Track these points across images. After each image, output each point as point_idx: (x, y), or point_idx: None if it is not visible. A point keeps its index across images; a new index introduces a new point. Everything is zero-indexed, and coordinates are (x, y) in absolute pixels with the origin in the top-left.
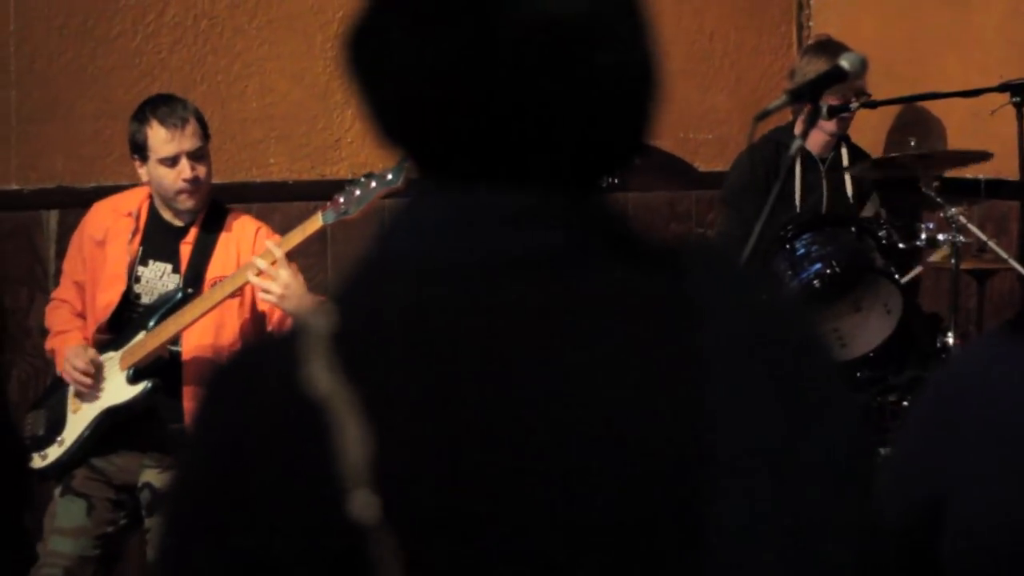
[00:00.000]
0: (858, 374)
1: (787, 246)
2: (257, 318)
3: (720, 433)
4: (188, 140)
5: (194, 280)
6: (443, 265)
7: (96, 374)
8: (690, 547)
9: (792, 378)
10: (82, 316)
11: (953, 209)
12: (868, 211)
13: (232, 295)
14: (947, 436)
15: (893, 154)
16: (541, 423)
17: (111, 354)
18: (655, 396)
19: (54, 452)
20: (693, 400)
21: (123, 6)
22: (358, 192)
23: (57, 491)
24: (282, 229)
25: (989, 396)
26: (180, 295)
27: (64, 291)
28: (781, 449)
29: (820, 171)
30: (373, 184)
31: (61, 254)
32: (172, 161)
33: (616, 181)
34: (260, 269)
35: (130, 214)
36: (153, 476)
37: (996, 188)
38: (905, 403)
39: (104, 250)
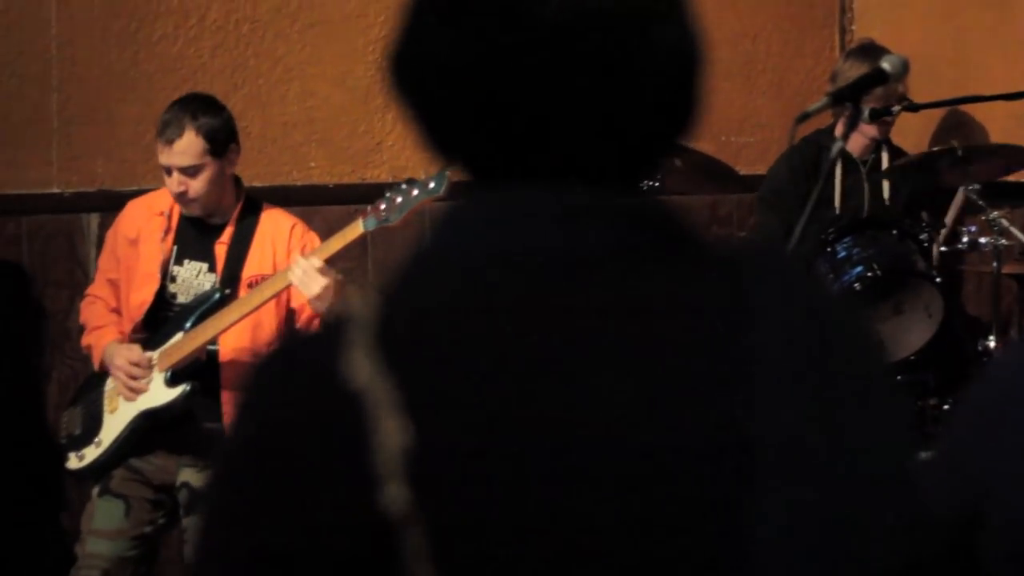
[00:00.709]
0: (898, 377)
1: (828, 249)
2: (294, 316)
3: (766, 436)
4: (176, 157)
5: (231, 280)
6: (492, 261)
7: (144, 371)
8: (731, 548)
9: (842, 381)
10: (117, 312)
11: (995, 212)
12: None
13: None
14: (990, 440)
15: (935, 148)
16: (582, 423)
17: (148, 353)
18: (700, 398)
19: (91, 453)
20: (740, 403)
21: (165, 10)
22: (399, 199)
23: (95, 491)
24: (322, 233)
25: None
26: (218, 295)
27: (98, 288)
28: (827, 452)
29: (861, 173)
30: (415, 192)
31: None
32: (167, 170)
33: (657, 183)
34: (301, 273)
35: (162, 213)
36: (191, 475)
37: None
38: (945, 407)
39: (137, 249)
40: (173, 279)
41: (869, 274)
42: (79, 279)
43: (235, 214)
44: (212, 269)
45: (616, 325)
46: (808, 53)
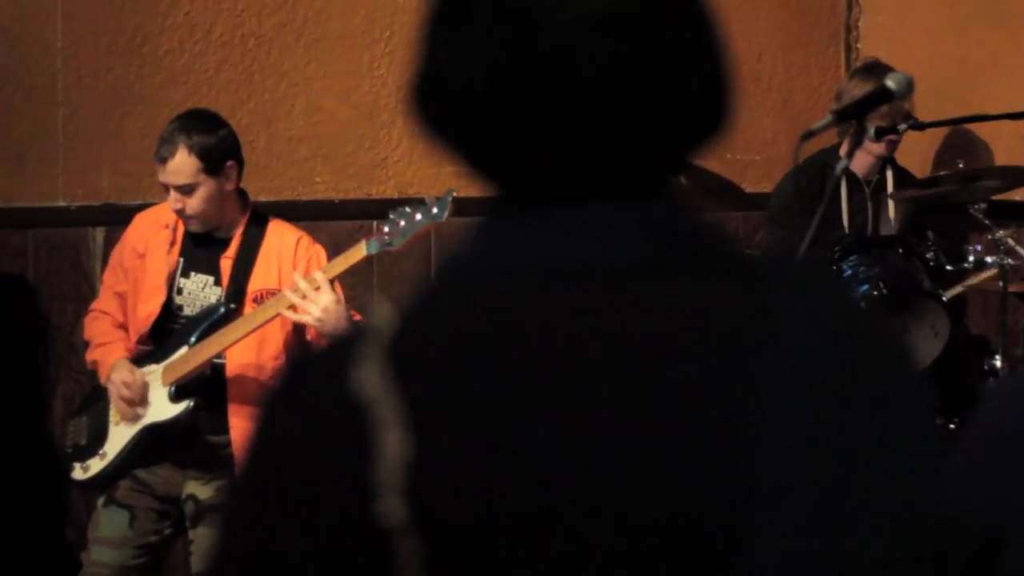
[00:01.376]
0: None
1: (834, 267)
2: (299, 331)
3: (775, 453)
4: (170, 176)
5: (236, 294)
6: (515, 274)
7: (141, 392)
8: (732, 566)
9: (862, 403)
10: (123, 327)
11: (1001, 232)
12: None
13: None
14: (1003, 464)
15: (942, 172)
16: (593, 444)
17: (152, 367)
18: (711, 412)
19: (96, 465)
20: (751, 418)
21: (171, 24)
22: (403, 223)
23: (100, 501)
24: (328, 247)
25: None
26: (223, 310)
27: (104, 303)
28: (839, 475)
29: (865, 193)
30: (418, 216)
31: None
32: (166, 187)
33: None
34: (302, 293)
35: (167, 226)
36: (197, 488)
37: None
38: (952, 426)
39: (144, 261)
40: (180, 291)
41: (875, 292)
42: (84, 292)
43: (241, 228)
44: (218, 282)
45: (638, 342)
46: (814, 71)
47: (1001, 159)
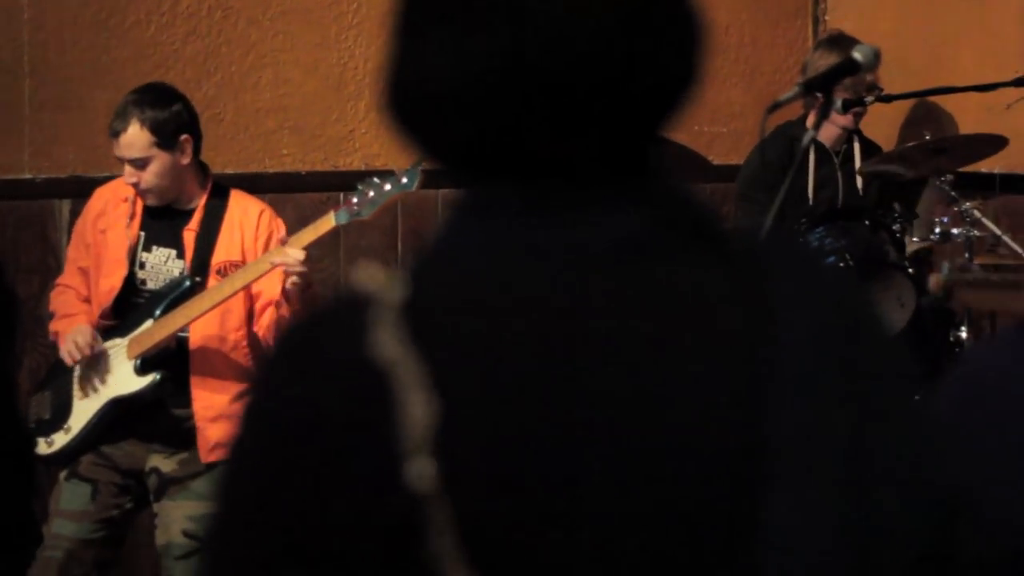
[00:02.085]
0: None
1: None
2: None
3: (785, 433)
4: (124, 149)
5: (200, 267)
6: (517, 248)
7: (98, 361)
8: (745, 539)
9: (866, 375)
10: (88, 301)
11: (967, 203)
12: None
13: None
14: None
15: (908, 144)
16: (603, 405)
17: (117, 341)
18: (723, 385)
19: (60, 439)
20: (759, 396)
21: None
22: (372, 193)
23: (63, 474)
24: (295, 219)
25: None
26: (188, 283)
27: (69, 277)
28: (850, 449)
29: (834, 164)
30: (387, 187)
31: None
32: (121, 161)
33: None
34: (275, 264)
35: (127, 199)
36: (160, 461)
37: (1011, 182)
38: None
39: (106, 236)
40: (142, 265)
41: (841, 264)
42: (51, 265)
43: (202, 201)
44: (181, 255)
45: (637, 313)
46: (781, 43)
47: (967, 131)
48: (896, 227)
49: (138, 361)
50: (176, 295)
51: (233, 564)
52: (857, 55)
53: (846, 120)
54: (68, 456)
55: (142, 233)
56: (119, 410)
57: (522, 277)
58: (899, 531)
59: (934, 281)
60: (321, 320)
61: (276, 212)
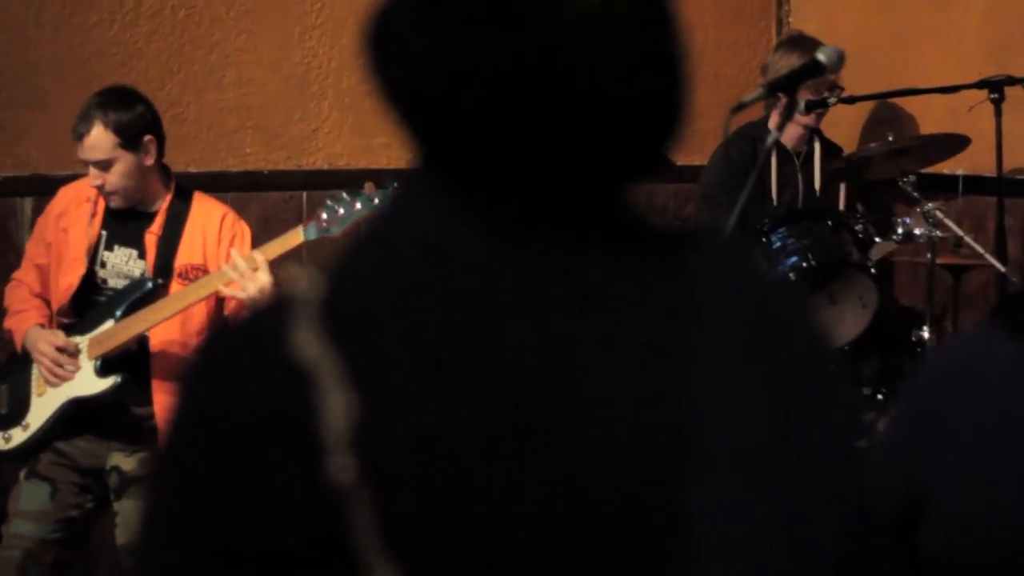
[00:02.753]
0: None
1: (763, 239)
2: (222, 308)
3: (710, 424)
4: (88, 151)
5: (163, 270)
6: (439, 244)
7: (70, 358)
8: (669, 535)
9: (789, 367)
10: (41, 297)
11: (930, 204)
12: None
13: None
14: (931, 431)
15: (871, 144)
16: (522, 404)
17: (77, 339)
18: (644, 381)
19: (18, 436)
20: (684, 390)
21: None
22: (342, 211)
23: (22, 473)
24: (259, 218)
25: (976, 392)
26: (150, 285)
27: (24, 273)
28: (774, 439)
29: (796, 164)
30: (358, 205)
31: None
32: (85, 164)
33: None
34: (240, 271)
35: (89, 199)
36: (121, 459)
37: (973, 184)
38: (879, 396)
39: (68, 235)
40: (103, 264)
41: (804, 264)
42: (12, 262)
43: (165, 203)
44: (142, 256)
45: (557, 313)
46: (744, 44)
47: (930, 132)
48: (859, 228)
49: (98, 362)
50: (137, 296)
51: (163, 567)
52: (821, 57)
53: (808, 120)
54: (26, 453)
55: (104, 232)
56: (78, 409)
57: (442, 276)
58: (824, 524)
59: None
60: (244, 323)
61: (239, 211)
